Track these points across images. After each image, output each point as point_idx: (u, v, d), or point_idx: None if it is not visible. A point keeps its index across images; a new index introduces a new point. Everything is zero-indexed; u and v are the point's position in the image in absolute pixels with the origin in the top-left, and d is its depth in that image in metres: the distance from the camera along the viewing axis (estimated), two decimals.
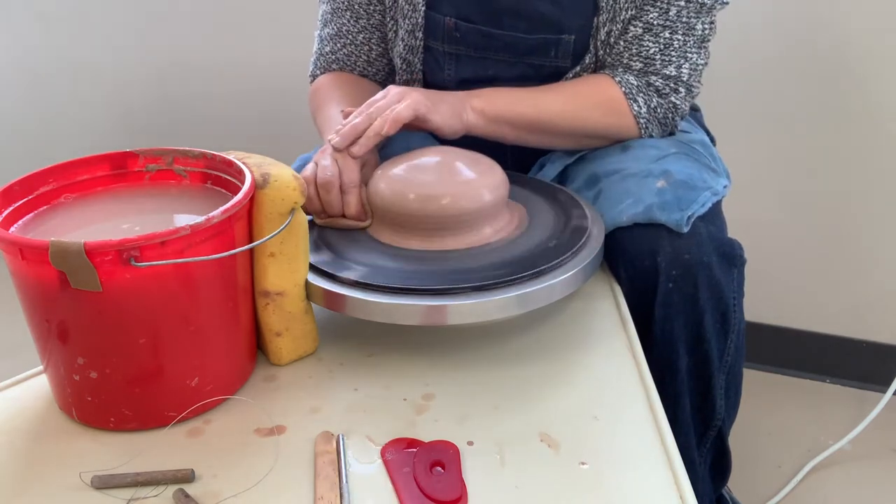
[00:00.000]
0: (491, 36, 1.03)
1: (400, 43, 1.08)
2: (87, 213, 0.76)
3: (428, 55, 1.07)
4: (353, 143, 0.87)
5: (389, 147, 1.00)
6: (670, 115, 1.02)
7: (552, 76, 1.04)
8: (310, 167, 0.88)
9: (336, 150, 0.87)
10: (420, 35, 1.06)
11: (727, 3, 1.00)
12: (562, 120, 0.99)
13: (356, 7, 1.09)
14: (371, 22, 1.10)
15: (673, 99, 1.01)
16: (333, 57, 1.13)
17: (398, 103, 0.89)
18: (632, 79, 1.00)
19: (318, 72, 1.15)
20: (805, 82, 1.47)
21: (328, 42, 1.13)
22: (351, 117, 0.90)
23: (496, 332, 0.85)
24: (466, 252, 0.84)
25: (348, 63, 1.13)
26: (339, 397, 0.76)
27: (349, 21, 1.10)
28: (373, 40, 1.11)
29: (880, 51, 1.41)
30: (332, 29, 1.12)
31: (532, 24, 1.01)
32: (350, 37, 1.11)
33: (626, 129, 1.01)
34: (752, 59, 1.48)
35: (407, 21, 1.05)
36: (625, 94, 0.99)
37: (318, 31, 1.15)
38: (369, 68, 1.13)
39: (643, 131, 1.01)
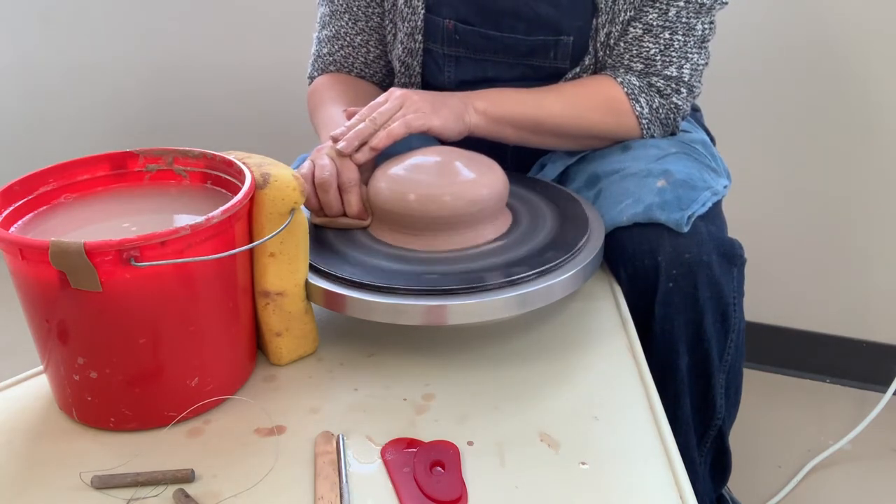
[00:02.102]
0: (490, 38, 1.03)
1: (399, 46, 1.08)
2: (87, 213, 0.76)
3: (427, 57, 1.07)
4: (357, 148, 0.88)
5: (390, 146, 1.00)
6: (672, 115, 1.02)
7: (551, 77, 1.04)
8: (306, 165, 0.88)
9: (340, 154, 0.87)
10: (419, 38, 1.05)
11: (726, 3, 1.00)
12: (564, 121, 0.99)
13: (355, 9, 1.09)
14: (369, 24, 1.10)
15: (675, 100, 1.01)
16: (331, 59, 1.13)
17: (399, 111, 0.89)
18: (634, 80, 1.00)
19: (315, 73, 1.15)
20: (805, 82, 1.47)
21: (326, 44, 1.13)
22: (354, 119, 0.90)
23: (496, 332, 0.85)
24: (466, 252, 0.84)
25: (345, 65, 1.13)
26: (339, 397, 0.76)
27: (347, 23, 1.10)
28: (371, 42, 1.11)
29: (880, 51, 1.41)
30: (330, 31, 1.12)
31: (531, 26, 1.01)
32: (348, 38, 1.11)
33: (628, 129, 1.01)
34: (752, 59, 1.48)
35: (406, 24, 1.05)
36: (627, 94, 0.99)
37: (317, 34, 1.15)
38: (367, 70, 1.13)
39: (645, 132, 1.01)
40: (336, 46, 1.12)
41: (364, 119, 0.89)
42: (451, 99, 0.95)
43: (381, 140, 0.87)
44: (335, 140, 0.88)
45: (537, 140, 1.01)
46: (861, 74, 1.43)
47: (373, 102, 0.92)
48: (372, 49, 1.12)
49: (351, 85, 1.11)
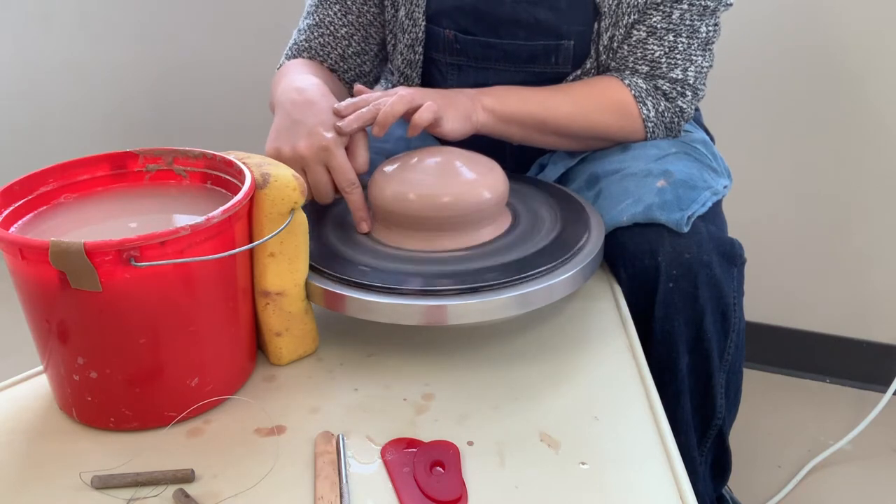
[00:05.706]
0: (491, 46, 1.02)
1: (398, 57, 1.07)
2: (87, 213, 0.76)
3: (431, 65, 1.07)
4: (354, 132, 0.86)
5: (390, 147, 1.00)
6: (676, 118, 1.02)
7: (554, 81, 1.03)
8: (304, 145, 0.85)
9: (340, 133, 0.85)
10: (419, 49, 1.05)
11: (731, 5, 1.00)
12: (571, 121, 0.99)
13: (348, 2, 1.06)
14: (360, 20, 1.07)
15: (680, 103, 1.01)
16: (307, 45, 1.08)
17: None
18: (640, 82, 1.00)
19: (285, 61, 1.10)
20: (806, 83, 1.47)
21: (305, 32, 1.09)
22: (360, 99, 0.88)
23: (496, 332, 0.85)
24: (467, 252, 0.84)
25: (321, 53, 1.08)
26: (339, 397, 0.76)
27: (336, 13, 1.07)
28: (355, 37, 1.07)
29: (880, 51, 1.41)
30: (313, 19, 1.08)
31: (531, 32, 1.01)
32: (332, 28, 1.07)
33: (634, 132, 1.01)
34: (753, 59, 1.48)
35: (406, 35, 1.04)
36: (634, 97, 0.99)
37: (299, 24, 1.11)
38: (341, 64, 1.09)
39: (650, 135, 1.01)
40: (316, 34, 1.07)
41: (369, 103, 0.87)
42: (460, 97, 0.94)
43: (409, 131, 0.87)
44: (337, 113, 0.86)
45: (542, 140, 1.01)
46: (861, 74, 1.43)
47: (382, 91, 0.91)
48: (353, 44, 1.08)
49: (323, 74, 1.05)
